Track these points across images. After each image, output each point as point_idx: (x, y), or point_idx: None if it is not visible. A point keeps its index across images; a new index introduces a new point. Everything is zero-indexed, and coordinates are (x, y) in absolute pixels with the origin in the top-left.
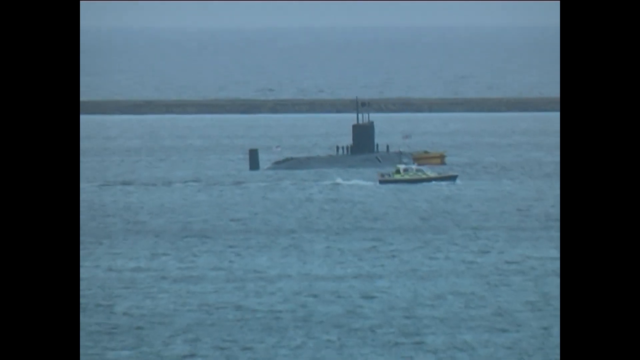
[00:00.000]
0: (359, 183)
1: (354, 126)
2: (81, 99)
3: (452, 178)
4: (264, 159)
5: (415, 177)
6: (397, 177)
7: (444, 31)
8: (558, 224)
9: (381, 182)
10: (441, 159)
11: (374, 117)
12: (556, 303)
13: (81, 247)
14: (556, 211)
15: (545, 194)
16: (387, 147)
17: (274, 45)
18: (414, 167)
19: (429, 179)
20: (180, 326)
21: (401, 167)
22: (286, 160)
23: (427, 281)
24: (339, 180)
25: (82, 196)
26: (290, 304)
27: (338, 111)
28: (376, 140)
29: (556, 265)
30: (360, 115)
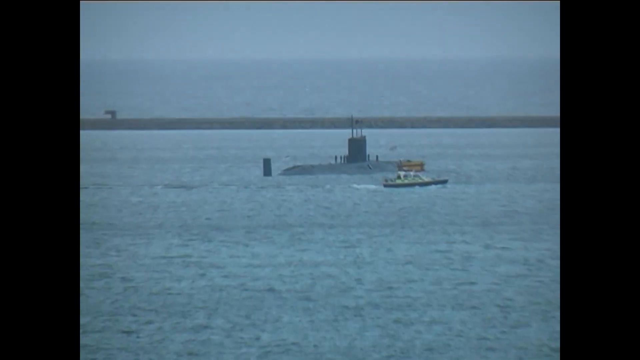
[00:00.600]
0: (367, 187)
1: (349, 140)
2: (125, 117)
3: (444, 182)
4: (275, 167)
5: (413, 181)
6: (398, 181)
7: (433, 63)
8: (526, 218)
9: (385, 185)
10: (421, 166)
11: (366, 132)
12: (508, 281)
13: (129, 237)
14: (523, 208)
15: (501, 194)
16: (377, 157)
17: (280, 74)
18: (412, 173)
19: (425, 183)
20: (199, 302)
21: (402, 173)
22: (294, 167)
23: (408, 265)
24: (354, 185)
25: (132, 197)
26: (295, 285)
27: (336, 127)
28: (367, 151)
29: (513, 252)
30: (354, 130)
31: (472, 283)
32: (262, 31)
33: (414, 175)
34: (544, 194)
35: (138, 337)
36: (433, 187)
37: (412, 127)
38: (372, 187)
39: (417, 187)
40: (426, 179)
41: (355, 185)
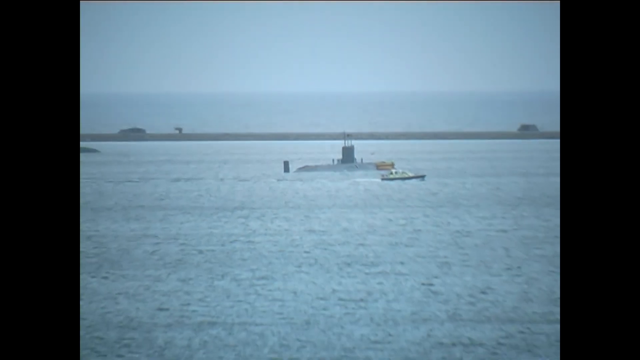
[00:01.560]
0: (371, 180)
1: (342, 148)
2: (189, 132)
3: (423, 177)
4: (292, 166)
5: (401, 176)
6: (391, 176)
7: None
8: (481, 199)
9: (382, 179)
10: (392, 166)
11: (354, 142)
12: (456, 251)
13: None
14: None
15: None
16: (362, 159)
17: (291, 105)
18: (401, 170)
19: (410, 177)
20: (220, 258)
21: (394, 170)
22: (304, 167)
23: (390, 237)
24: (359, 179)
25: (204, 186)
26: (299, 248)
27: (333, 139)
28: (355, 156)
29: (477, 218)
30: (346, 141)
31: (464, 231)
32: (277, 66)
33: (402, 172)
34: (485, 184)
35: None
36: (414, 180)
37: (387, 139)
38: (373, 180)
39: (404, 180)
40: (410, 174)
41: (359, 179)
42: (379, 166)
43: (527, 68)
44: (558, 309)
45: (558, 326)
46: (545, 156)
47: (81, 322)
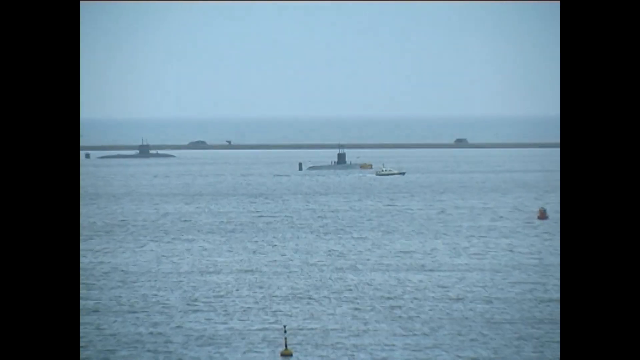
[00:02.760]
0: (367, 175)
1: (337, 154)
2: (238, 143)
3: (404, 173)
4: (305, 167)
5: (389, 172)
6: (382, 173)
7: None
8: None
9: (377, 174)
10: (370, 166)
11: (346, 150)
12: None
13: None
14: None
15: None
16: (350, 161)
17: (302, 125)
18: (389, 168)
19: (394, 173)
20: (235, 231)
21: (384, 168)
22: (312, 167)
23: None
24: (360, 174)
25: (229, 180)
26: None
27: (331, 148)
28: (346, 159)
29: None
30: (340, 149)
31: (443, 211)
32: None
33: (389, 169)
34: (436, 177)
35: None
36: (398, 175)
37: (369, 148)
38: (369, 175)
39: (390, 175)
40: (395, 172)
41: (359, 174)
42: (361, 166)
43: (466, 95)
44: None
45: None
46: (472, 160)
47: None
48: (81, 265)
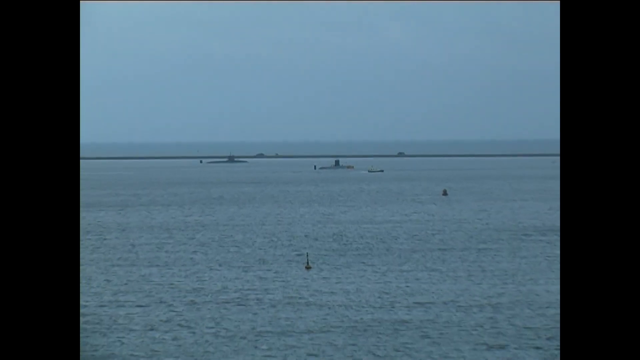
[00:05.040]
0: (362, 172)
1: (335, 160)
2: (270, 154)
3: (382, 170)
4: (318, 167)
5: (375, 170)
6: (372, 170)
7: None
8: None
9: (368, 171)
10: (353, 167)
11: (339, 158)
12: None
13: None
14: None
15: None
16: (342, 165)
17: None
18: (376, 167)
19: (377, 170)
20: (242, 226)
21: (372, 168)
22: (321, 167)
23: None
24: (347, 171)
25: (245, 189)
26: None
27: (331, 157)
28: (340, 163)
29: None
30: (336, 159)
31: (420, 201)
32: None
33: (375, 168)
34: (393, 172)
35: None
36: (379, 172)
37: (353, 157)
38: (363, 172)
39: (375, 172)
40: (377, 170)
41: (346, 171)
42: (347, 167)
43: (404, 121)
44: None
45: None
46: (410, 166)
47: None
48: None
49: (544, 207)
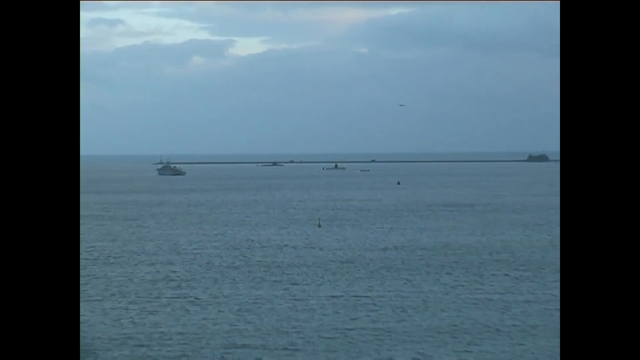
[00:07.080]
0: (358, 171)
1: (335, 164)
2: (292, 160)
3: (369, 170)
4: (325, 169)
5: (365, 170)
6: (363, 170)
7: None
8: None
9: (361, 171)
10: (344, 168)
11: (337, 163)
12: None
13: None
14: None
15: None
16: (339, 166)
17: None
18: (366, 169)
19: (367, 170)
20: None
21: (363, 169)
22: (326, 169)
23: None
24: (343, 170)
25: (263, 196)
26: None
27: (332, 162)
28: (339, 166)
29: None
30: (336, 163)
31: (404, 194)
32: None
33: (366, 169)
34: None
35: None
36: (367, 171)
37: (346, 161)
38: (359, 171)
39: (365, 170)
40: (368, 170)
41: (342, 170)
42: (342, 168)
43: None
44: None
45: None
46: (386, 170)
47: None
48: None
49: (463, 193)
